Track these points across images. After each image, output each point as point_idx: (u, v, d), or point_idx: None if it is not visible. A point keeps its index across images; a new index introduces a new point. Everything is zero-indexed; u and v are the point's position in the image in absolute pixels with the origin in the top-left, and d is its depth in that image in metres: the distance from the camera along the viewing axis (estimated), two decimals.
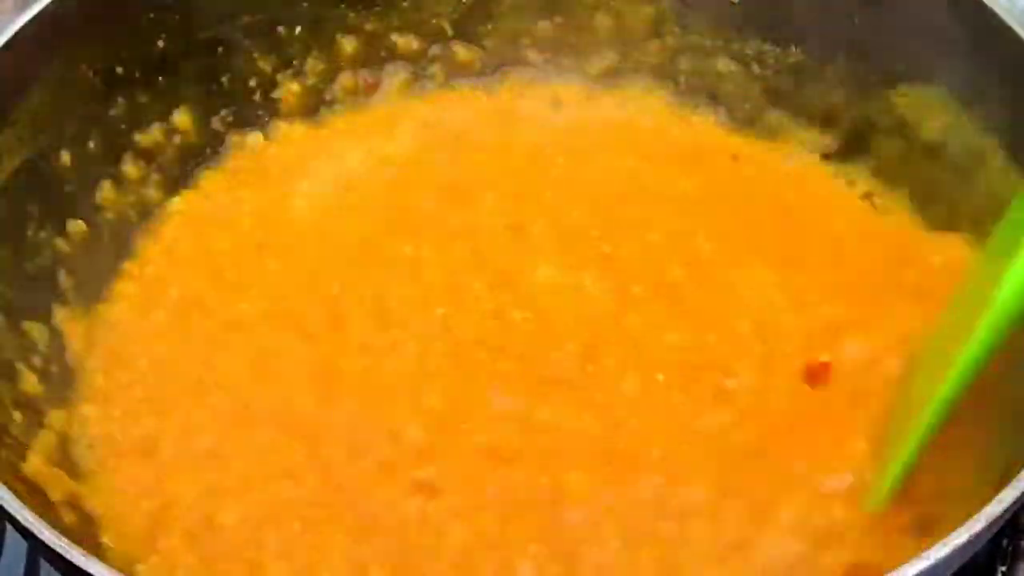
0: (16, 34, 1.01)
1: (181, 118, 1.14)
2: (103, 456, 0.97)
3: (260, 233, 1.10)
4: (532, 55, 1.22)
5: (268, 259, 1.08)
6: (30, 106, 1.03)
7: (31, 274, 1.03)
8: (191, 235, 1.11)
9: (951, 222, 1.06)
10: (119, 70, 1.09)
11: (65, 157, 1.06)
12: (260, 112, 1.18)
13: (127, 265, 1.09)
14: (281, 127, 1.18)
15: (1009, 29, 0.99)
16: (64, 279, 1.05)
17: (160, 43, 1.11)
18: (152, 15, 1.10)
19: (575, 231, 1.08)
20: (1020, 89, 1.00)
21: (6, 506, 0.82)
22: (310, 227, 1.10)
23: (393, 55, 1.20)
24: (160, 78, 1.12)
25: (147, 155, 1.12)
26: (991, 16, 1.00)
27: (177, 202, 1.13)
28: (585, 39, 1.21)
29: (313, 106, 1.19)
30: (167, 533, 0.93)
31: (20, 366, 0.98)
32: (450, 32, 1.20)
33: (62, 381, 1.01)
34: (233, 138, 1.17)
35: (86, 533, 0.91)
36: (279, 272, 1.07)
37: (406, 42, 1.19)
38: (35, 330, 1.01)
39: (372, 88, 1.17)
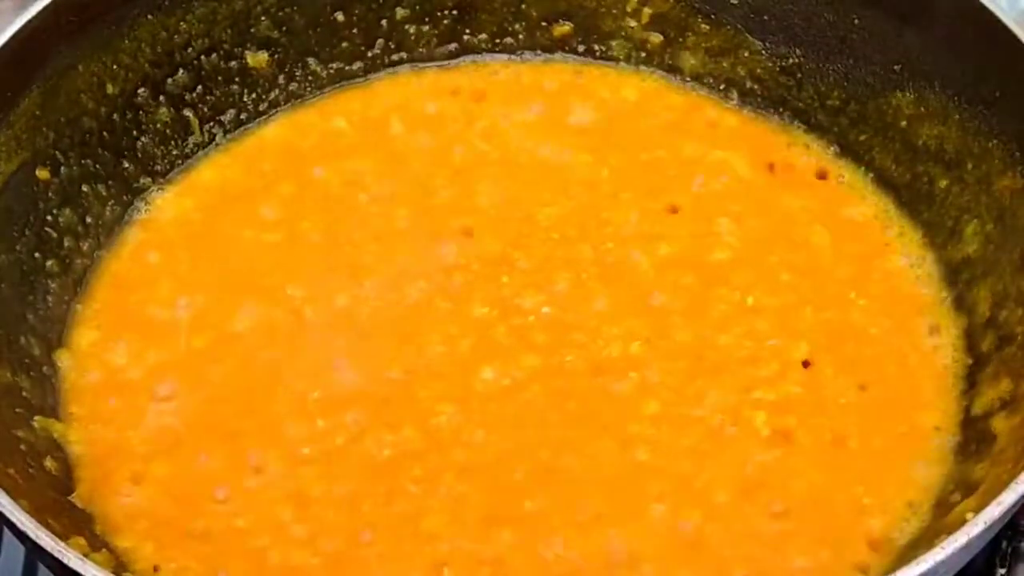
0: (16, 34, 1.00)
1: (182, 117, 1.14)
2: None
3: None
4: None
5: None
6: (29, 108, 1.03)
7: (28, 280, 1.03)
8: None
9: (949, 224, 1.06)
10: (118, 72, 1.09)
11: (63, 159, 1.06)
12: (260, 106, 1.18)
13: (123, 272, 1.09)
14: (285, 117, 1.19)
15: (1008, 30, 0.99)
16: (61, 285, 1.05)
17: (159, 44, 1.11)
18: (151, 16, 1.10)
19: None
20: (1019, 90, 1.00)
21: (3, 509, 0.82)
22: None
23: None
24: (159, 79, 1.12)
25: (146, 157, 1.13)
26: (991, 17, 1.00)
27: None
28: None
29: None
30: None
31: (21, 378, 0.98)
32: None
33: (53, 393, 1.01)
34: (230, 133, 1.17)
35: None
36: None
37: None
38: (34, 346, 1.01)
39: None
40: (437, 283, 1.06)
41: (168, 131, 1.14)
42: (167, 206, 1.12)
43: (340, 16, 1.18)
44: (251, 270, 1.08)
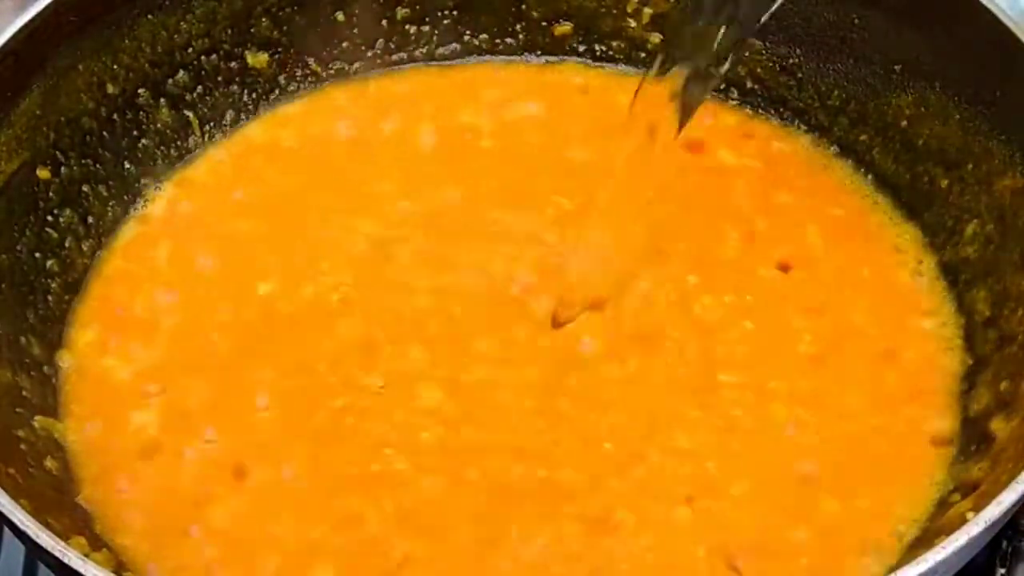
0: (16, 34, 1.00)
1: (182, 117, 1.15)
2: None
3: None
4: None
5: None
6: (29, 108, 1.03)
7: (28, 280, 1.03)
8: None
9: (949, 224, 1.06)
10: (119, 72, 1.09)
11: (64, 159, 1.06)
12: (260, 105, 1.18)
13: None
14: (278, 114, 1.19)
15: (1008, 30, 0.99)
16: (61, 285, 1.05)
17: (159, 44, 1.11)
18: (151, 16, 1.10)
19: None
20: (1020, 90, 1.00)
21: (3, 509, 0.82)
22: None
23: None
24: (159, 79, 1.12)
25: (147, 157, 1.13)
26: (991, 17, 1.00)
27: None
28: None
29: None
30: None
31: (21, 378, 0.98)
32: None
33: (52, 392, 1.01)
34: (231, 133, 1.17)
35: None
36: None
37: None
38: (34, 346, 1.01)
39: None
40: (437, 281, 1.06)
41: (168, 131, 1.14)
42: (167, 206, 1.12)
43: (340, 16, 1.18)
44: (251, 270, 1.08)
